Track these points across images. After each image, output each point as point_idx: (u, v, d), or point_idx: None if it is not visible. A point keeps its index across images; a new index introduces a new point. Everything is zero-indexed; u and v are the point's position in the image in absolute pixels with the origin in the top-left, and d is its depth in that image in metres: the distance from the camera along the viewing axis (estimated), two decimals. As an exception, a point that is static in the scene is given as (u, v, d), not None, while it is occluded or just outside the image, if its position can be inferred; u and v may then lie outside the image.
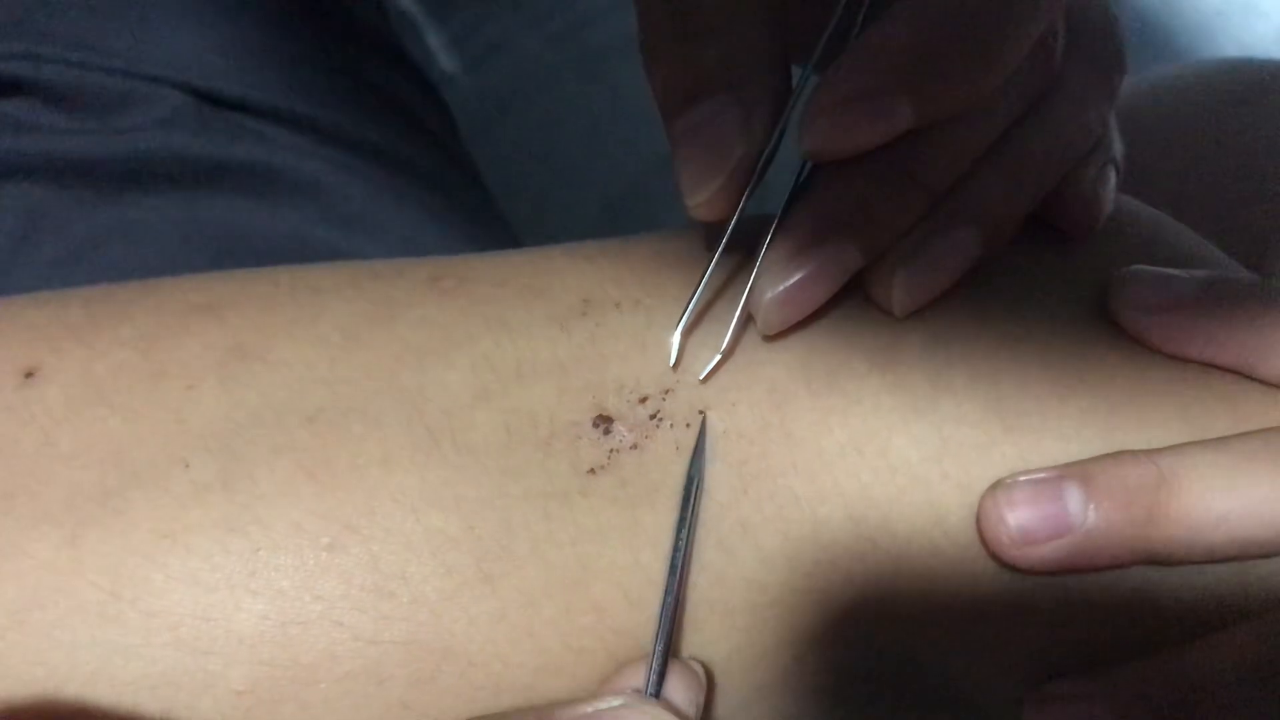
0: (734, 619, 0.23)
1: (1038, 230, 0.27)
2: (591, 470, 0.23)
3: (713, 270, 0.24)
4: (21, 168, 0.40)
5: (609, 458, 0.23)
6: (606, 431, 0.24)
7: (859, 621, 0.23)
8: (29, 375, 0.24)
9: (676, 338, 0.24)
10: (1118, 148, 0.27)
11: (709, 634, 0.23)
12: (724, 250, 0.24)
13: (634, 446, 0.23)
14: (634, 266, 0.26)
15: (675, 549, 0.22)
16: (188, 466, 0.23)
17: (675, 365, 0.24)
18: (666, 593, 0.22)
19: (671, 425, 0.24)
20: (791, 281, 0.23)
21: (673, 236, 0.27)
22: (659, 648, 0.22)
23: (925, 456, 0.23)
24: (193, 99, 0.41)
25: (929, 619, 0.23)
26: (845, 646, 0.23)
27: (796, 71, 0.25)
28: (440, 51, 0.87)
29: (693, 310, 0.24)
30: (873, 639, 0.23)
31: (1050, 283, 0.26)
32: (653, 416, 0.24)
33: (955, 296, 0.25)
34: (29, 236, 0.39)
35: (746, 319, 0.24)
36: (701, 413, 0.24)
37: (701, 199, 0.23)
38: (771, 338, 0.24)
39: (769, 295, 0.23)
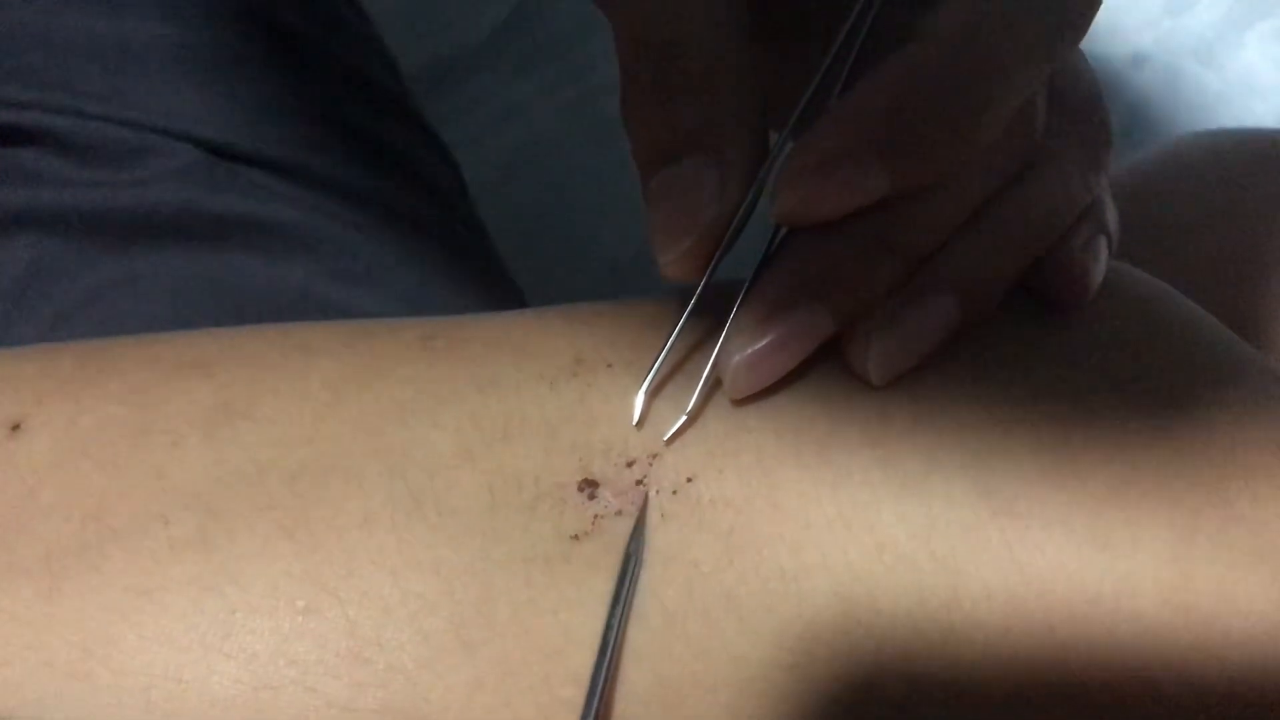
0: (716, 695, 0.22)
1: (1030, 303, 0.26)
2: (575, 536, 0.23)
3: (685, 332, 0.24)
4: (32, 219, 0.40)
5: (593, 523, 0.23)
6: (591, 496, 0.23)
7: (841, 700, 0.22)
8: (15, 428, 0.24)
9: (641, 397, 0.24)
10: (1111, 218, 0.27)
11: (690, 711, 0.22)
12: (703, 313, 0.24)
13: (619, 513, 0.23)
14: (628, 328, 0.26)
15: (608, 627, 0.22)
16: (167, 523, 0.23)
17: (640, 424, 0.24)
18: (596, 670, 0.21)
19: (658, 491, 0.23)
20: (760, 345, 0.23)
21: (668, 301, 0.27)
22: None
23: (913, 535, 0.23)
24: (203, 153, 0.42)
25: (911, 701, 0.23)
26: None
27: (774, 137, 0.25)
28: (454, 115, 0.88)
29: (657, 370, 0.24)
30: (855, 718, 0.23)
31: (1043, 358, 0.25)
32: (639, 482, 0.23)
33: (946, 369, 0.25)
34: (34, 287, 0.40)
35: (716, 381, 0.24)
36: (642, 486, 0.23)
37: (672, 258, 0.23)
38: (740, 402, 0.24)
39: (736, 358, 0.23)
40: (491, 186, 0.82)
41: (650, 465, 0.24)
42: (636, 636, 0.22)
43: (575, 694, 0.22)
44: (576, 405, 0.24)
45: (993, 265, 0.25)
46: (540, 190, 0.88)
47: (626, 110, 0.24)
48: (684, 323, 0.25)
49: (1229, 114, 0.87)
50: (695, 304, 0.24)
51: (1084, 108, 0.27)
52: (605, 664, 0.21)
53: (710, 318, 0.25)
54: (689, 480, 0.23)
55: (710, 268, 0.24)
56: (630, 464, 0.24)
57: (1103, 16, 0.24)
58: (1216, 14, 0.91)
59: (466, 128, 0.88)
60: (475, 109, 0.90)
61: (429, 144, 0.53)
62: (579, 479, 0.23)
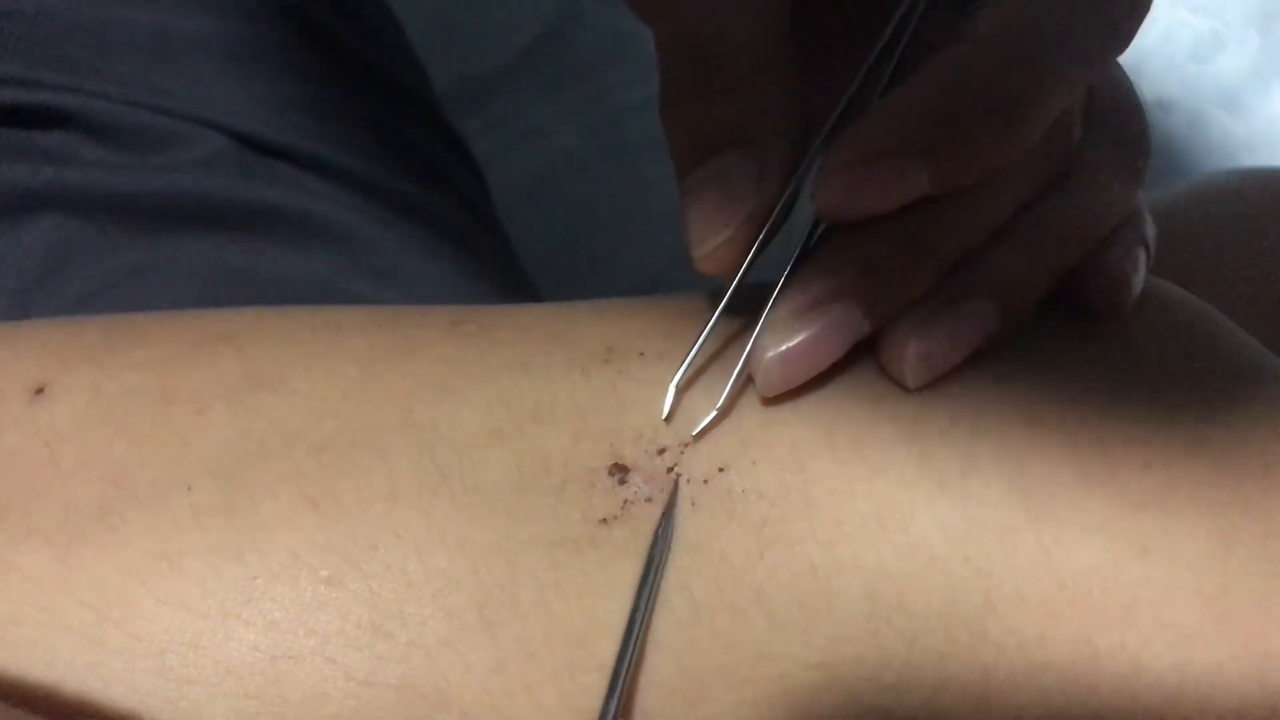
0: (741, 690, 0.22)
1: (1068, 311, 0.26)
2: (604, 520, 0.22)
3: (717, 327, 0.24)
4: (57, 200, 0.40)
5: (622, 508, 0.23)
6: (622, 481, 0.23)
7: (868, 702, 0.22)
8: (39, 392, 0.24)
9: (671, 391, 0.24)
10: (1149, 229, 0.27)
11: (714, 707, 0.22)
12: (736, 309, 0.24)
13: (649, 499, 0.23)
14: (660, 320, 0.26)
15: (634, 611, 0.21)
16: (189, 490, 0.22)
17: (669, 419, 0.24)
18: (620, 656, 0.21)
19: (689, 480, 0.23)
20: (793, 343, 0.23)
21: (700, 297, 0.27)
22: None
23: (947, 536, 0.22)
24: (234, 143, 0.42)
25: (939, 707, 0.22)
26: None
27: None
28: (479, 136, 0.89)
29: (689, 365, 0.24)
30: None
31: (1080, 363, 0.25)
32: (670, 469, 0.23)
33: (983, 370, 0.24)
34: (56, 270, 0.40)
35: (748, 378, 0.24)
36: (673, 473, 0.23)
37: (707, 250, 0.23)
38: (771, 400, 0.24)
39: (769, 355, 0.23)
40: (514, 206, 0.83)
41: (682, 453, 0.23)
42: (662, 626, 0.22)
43: (597, 680, 0.21)
44: (608, 392, 0.24)
45: (1030, 271, 0.25)
46: (561, 211, 0.89)
47: (666, 108, 0.24)
48: (717, 317, 0.24)
49: (1254, 162, 0.88)
50: (729, 300, 0.24)
51: (1123, 118, 0.27)
52: (630, 651, 0.21)
53: (743, 314, 0.25)
54: (721, 470, 0.23)
55: (745, 264, 0.24)
56: (661, 451, 0.23)
57: (1127, 61, 0.24)
58: (1243, 61, 0.91)
59: (491, 148, 0.88)
60: (500, 130, 0.91)
61: (455, 149, 0.54)
62: (609, 464, 0.23)
